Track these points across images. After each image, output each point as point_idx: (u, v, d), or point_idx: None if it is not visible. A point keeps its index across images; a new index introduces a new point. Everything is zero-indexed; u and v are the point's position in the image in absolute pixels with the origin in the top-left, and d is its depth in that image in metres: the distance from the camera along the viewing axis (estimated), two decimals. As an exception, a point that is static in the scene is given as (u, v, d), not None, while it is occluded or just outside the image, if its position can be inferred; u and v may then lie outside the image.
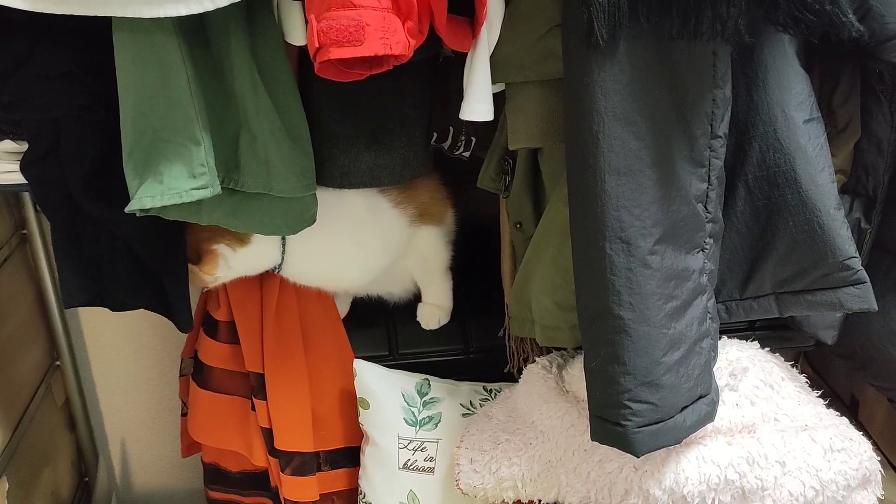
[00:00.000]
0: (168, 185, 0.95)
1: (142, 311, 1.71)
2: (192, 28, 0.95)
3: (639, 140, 0.87)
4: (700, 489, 1.01)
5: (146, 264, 1.16)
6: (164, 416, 1.84)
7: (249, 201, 1.04)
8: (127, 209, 0.96)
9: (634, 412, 0.93)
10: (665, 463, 1.02)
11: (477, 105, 0.97)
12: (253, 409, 1.37)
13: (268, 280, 1.34)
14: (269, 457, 1.36)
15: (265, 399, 1.33)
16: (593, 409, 0.98)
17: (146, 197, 0.95)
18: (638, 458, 0.95)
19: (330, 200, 1.17)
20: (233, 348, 1.37)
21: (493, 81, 0.98)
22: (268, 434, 1.35)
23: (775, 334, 1.35)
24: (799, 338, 1.38)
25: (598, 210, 0.89)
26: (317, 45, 0.80)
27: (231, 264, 1.20)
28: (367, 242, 1.25)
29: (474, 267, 1.43)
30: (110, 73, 1.01)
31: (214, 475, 1.49)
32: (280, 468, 1.34)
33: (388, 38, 0.80)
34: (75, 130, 1.08)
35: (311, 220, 1.11)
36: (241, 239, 1.19)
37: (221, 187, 1.00)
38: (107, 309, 1.68)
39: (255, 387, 1.35)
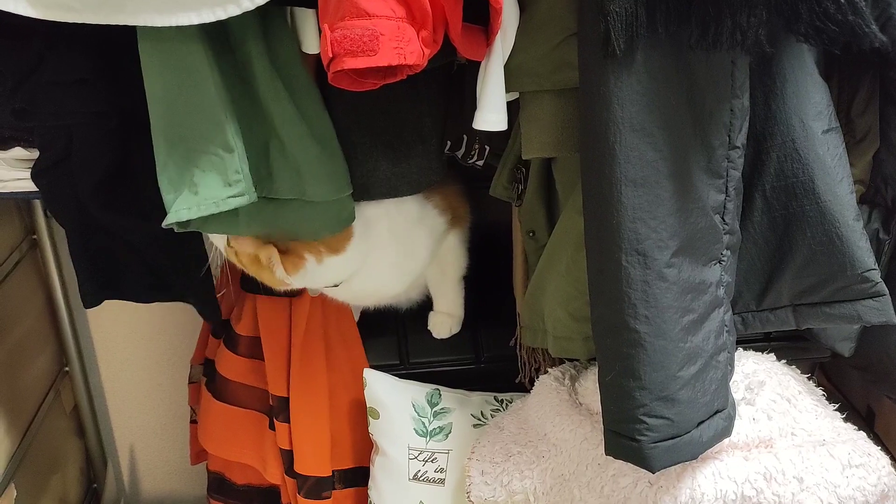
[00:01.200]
0: (204, 195, 0.93)
1: (151, 316, 1.75)
2: (217, 36, 0.94)
3: (656, 151, 0.86)
4: (716, 505, 1.00)
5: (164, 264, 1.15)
6: (174, 423, 1.84)
7: (286, 207, 1.03)
8: (164, 224, 0.94)
9: (650, 427, 0.92)
10: (681, 478, 1.01)
11: (490, 115, 0.96)
12: (271, 427, 1.35)
13: (299, 299, 1.33)
14: (287, 476, 1.35)
15: (286, 421, 1.32)
16: (608, 423, 0.96)
17: (182, 209, 0.93)
18: (653, 473, 0.94)
19: (391, 211, 1.16)
20: (252, 363, 1.36)
21: (507, 90, 0.97)
22: (287, 455, 1.34)
23: (791, 345, 1.33)
24: (815, 349, 1.36)
25: (614, 221, 0.87)
26: (330, 55, 0.79)
27: (312, 273, 1.14)
28: (419, 250, 1.25)
29: (486, 276, 1.42)
30: (124, 80, 1.01)
31: (219, 485, 1.48)
32: (297, 489, 1.33)
33: (402, 47, 0.79)
34: (88, 138, 1.08)
35: (351, 219, 1.09)
36: (334, 248, 1.14)
37: (258, 197, 0.99)
38: (116, 315, 1.72)
39: (275, 408, 1.33)
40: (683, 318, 0.91)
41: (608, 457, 1.04)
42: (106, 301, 1.70)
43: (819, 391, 1.20)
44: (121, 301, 1.70)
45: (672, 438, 0.93)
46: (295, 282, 1.15)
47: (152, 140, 0.94)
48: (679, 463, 0.96)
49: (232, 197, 0.93)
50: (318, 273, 1.14)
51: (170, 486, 1.90)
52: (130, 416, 1.84)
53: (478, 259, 1.41)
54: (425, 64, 0.84)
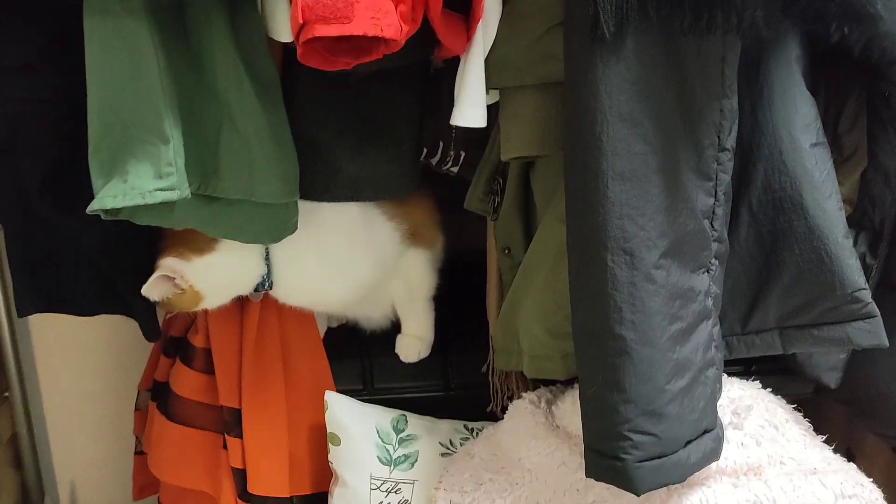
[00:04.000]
0: (132, 184, 0.88)
1: (99, 342, 1.65)
2: (168, 17, 0.89)
3: (646, 143, 0.81)
4: (703, 535, 0.92)
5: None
6: (117, 458, 1.72)
7: (229, 208, 0.97)
8: (88, 209, 0.89)
9: (635, 444, 0.85)
10: (665, 505, 0.94)
11: (469, 109, 0.92)
12: (225, 446, 1.26)
13: (248, 304, 1.25)
14: (240, 501, 1.25)
15: (240, 437, 1.23)
16: (589, 441, 0.89)
17: (108, 197, 0.88)
18: (638, 496, 0.87)
19: (325, 210, 1.10)
20: (208, 379, 1.26)
21: (488, 87, 0.92)
22: (239, 475, 1.23)
23: (771, 380, 1.28)
24: (796, 385, 1.31)
25: (599, 219, 0.82)
26: (301, 22, 0.73)
27: (191, 277, 1.09)
28: (360, 255, 1.18)
29: (457, 299, 1.36)
30: (74, 67, 0.95)
31: (170, 519, 1.37)
32: None
33: (378, 18, 0.74)
34: (34, 128, 1.01)
35: (293, 228, 1.04)
36: (198, 248, 1.10)
37: (198, 194, 0.94)
38: (62, 339, 1.62)
39: (228, 422, 1.24)
40: (672, 326, 0.86)
41: (588, 482, 0.97)
42: (53, 324, 1.64)
43: (805, 422, 1.14)
44: (68, 325, 1.63)
45: (658, 458, 0.86)
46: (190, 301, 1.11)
47: (87, 121, 0.88)
48: (665, 485, 0.89)
49: (160, 190, 0.88)
50: (198, 278, 1.09)
51: (111, 527, 1.77)
52: (72, 449, 1.72)
53: (449, 282, 1.35)
54: (402, 42, 0.79)
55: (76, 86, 0.97)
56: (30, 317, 1.61)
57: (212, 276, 1.11)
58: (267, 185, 0.96)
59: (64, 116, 1.00)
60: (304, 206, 1.06)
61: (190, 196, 0.92)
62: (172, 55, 0.89)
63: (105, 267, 1.05)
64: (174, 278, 1.07)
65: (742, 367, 1.26)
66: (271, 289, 1.17)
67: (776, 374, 1.26)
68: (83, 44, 0.88)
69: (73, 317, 1.60)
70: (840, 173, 1.08)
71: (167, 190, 0.89)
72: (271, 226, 1.02)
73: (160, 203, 0.90)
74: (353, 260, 1.19)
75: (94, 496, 1.75)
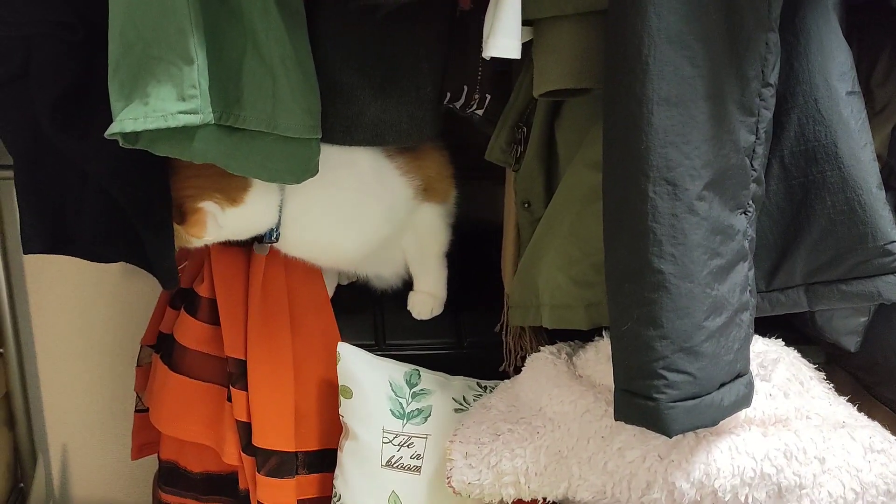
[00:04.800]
0: (153, 106, 0.84)
1: (99, 299, 1.61)
2: None
3: (693, 66, 0.78)
4: (733, 483, 0.90)
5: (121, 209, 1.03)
6: (112, 421, 1.68)
7: (251, 142, 0.94)
8: (107, 133, 0.85)
9: (670, 383, 0.82)
10: (694, 452, 0.91)
11: (504, 40, 0.89)
12: (229, 399, 1.22)
13: (254, 255, 1.22)
14: (244, 454, 1.21)
15: (245, 389, 1.19)
16: (620, 382, 0.86)
17: (128, 119, 0.84)
18: (670, 437, 0.84)
19: (335, 160, 1.07)
20: (214, 329, 1.23)
21: (523, 17, 0.90)
22: (244, 428, 1.20)
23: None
24: (807, 355, 1.29)
25: (642, 147, 0.79)
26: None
27: (221, 223, 1.08)
28: (370, 210, 1.15)
29: (470, 258, 1.33)
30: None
31: (171, 475, 1.33)
32: (256, 468, 1.19)
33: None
34: (49, 51, 0.98)
35: (315, 170, 1.01)
36: (232, 198, 1.08)
37: (220, 125, 0.90)
38: (60, 295, 1.58)
39: (233, 374, 1.20)
40: (711, 262, 0.83)
41: (614, 429, 0.95)
42: (49, 281, 1.59)
43: (826, 382, 1.12)
44: (65, 282, 1.60)
45: (693, 398, 0.84)
46: (209, 237, 1.09)
47: (108, 37, 0.85)
48: (698, 428, 0.87)
49: (183, 113, 0.85)
50: (230, 222, 1.08)
51: (104, 491, 1.73)
52: (67, 409, 1.68)
53: (462, 245, 1.32)
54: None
55: (95, 8, 0.94)
56: (26, 276, 1.58)
57: (234, 224, 1.09)
58: (291, 117, 0.93)
59: (81, 41, 0.96)
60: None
61: (213, 122, 0.88)
62: None
63: (116, 195, 1.01)
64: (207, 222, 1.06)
65: (758, 334, 1.24)
66: (277, 241, 1.14)
67: (788, 343, 1.24)
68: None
69: (70, 275, 1.59)
70: (871, 127, 1.06)
71: (190, 113, 0.85)
72: (292, 165, 0.99)
73: (181, 130, 0.87)
74: (364, 214, 1.16)
75: (86, 461, 1.71)
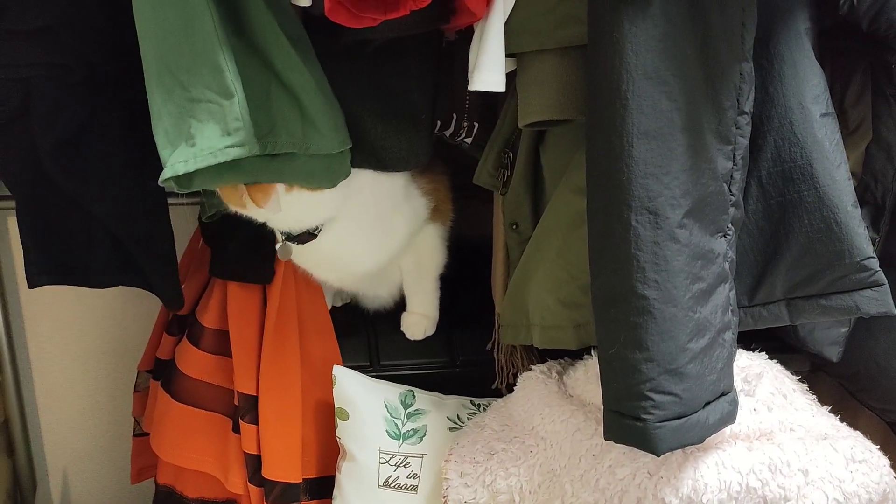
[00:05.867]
0: (200, 146, 0.86)
1: (95, 325, 1.62)
2: None
3: (671, 101, 0.82)
4: (720, 497, 0.93)
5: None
6: (112, 445, 1.70)
7: (292, 162, 0.96)
8: (160, 180, 0.86)
9: (656, 404, 0.85)
10: (682, 468, 0.94)
11: (489, 74, 0.92)
12: (235, 430, 1.24)
13: (270, 291, 1.23)
14: (250, 485, 1.23)
15: (254, 422, 1.21)
16: (609, 403, 0.89)
17: (178, 163, 0.86)
18: (658, 456, 0.87)
19: (379, 176, 1.11)
20: (217, 360, 1.25)
21: (507, 51, 0.93)
22: (253, 461, 1.22)
23: (770, 358, 1.29)
24: (793, 364, 1.32)
25: (623, 178, 0.83)
26: (331, -25, 0.73)
27: (283, 204, 1.05)
28: (397, 226, 1.19)
29: (462, 279, 1.36)
30: (93, 29, 0.94)
31: (167, 499, 1.35)
32: (264, 497, 1.21)
33: (408, -29, 0.74)
34: (49, 93, 1.00)
35: (347, 173, 1.03)
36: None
37: (259, 155, 0.92)
38: (56, 322, 1.60)
39: (242, 408, 1.22)
40: (693, 286, 0.86)
41: (604, 447, 0.98)
42: (45, 308, 1.61)
43: (810, 393, 1.15)
44: (61, 308, 1.61)
45: (679, 418, 0.87)
46: (265, 210, 1.04)
47: (145, 87, 0.86)
48: (685, 446, 0.90)
49: (231, 147, 0.86)
50: (287, 206, 1.04)
51: (104, 514, 1.75)
52: (66, 435, 1.69)
53: (454, 262, 1.35)
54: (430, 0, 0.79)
55: (93, 50, 0.96)
56: (21, 301, 1.60)
57: (292, 208, 1.06)
58: (321, 138, 0.95)
59: (79, 82, 0.99)
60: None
61: (258, 153, 0.90)
62: (219, 13, 0.87)
63: (119, 235, 1.03)
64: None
65: (742, 346, 1.27)
66: (316, 237, 1.13)
67: (774, 353, 1.27)
68: (102, 6, 0.86)
69: (67, 300, 1.60)
70: (846, 146, 1.09)
71: (238, 146, 0.87)
72: (326, 175, 1.01)
73: (230, 163, 0.88)
74: (391, 229, 1.19)
75: (86, 484, 1.73)
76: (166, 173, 0.85)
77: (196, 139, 0.85)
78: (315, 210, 1.09)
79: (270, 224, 1.11)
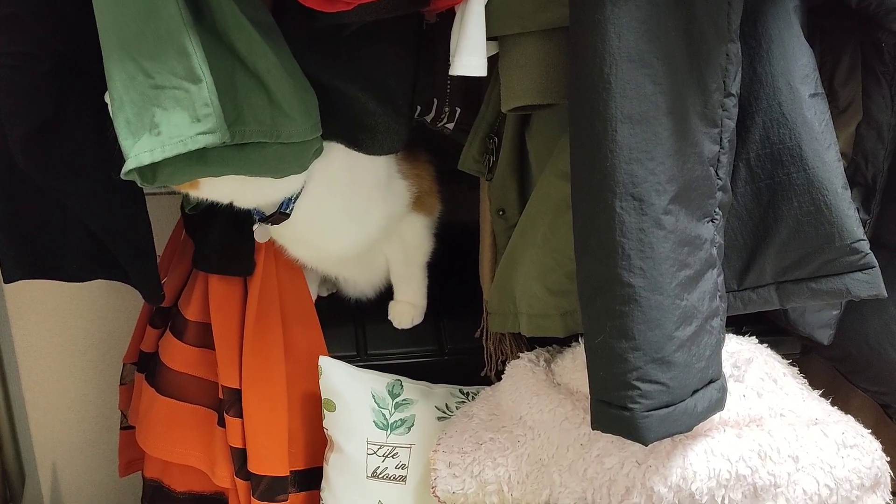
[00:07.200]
0: (168, 134, 0.82)
1: (81, 319, 1.61)
2: None
3: (655, 84, 0.80)
4: (709, 485, 0.92)
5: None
6: (100, 438, 1.69)
7: (262, 150, 0.92)
8: (122, 172, 0.82)
9: (643, 393, 0.84)
10: (671, 457, 0.93)
11: (470, 58, 0.90)
12: (220, 423, 1.22)
13: (251, 283, 1.21)
14: (237, 478, 1.22)
15: (239, 416, 1.19)
16: (596, 392, 0.88)
17: (143, 153, 0.81)
18: (646, 445, 0.86)
19: (353, 153, 1.08)
20: (201, 352, 1.23)
21: (488, 34, 0.90)
22: (239, 454, 1.20)
23: (761, 341, 1.28)
24: (784, 346, 1.31)
25: (607, 164, 0.81)
26: (303, -43, 0.71)
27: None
28: (377, 206, 1.17)
29: (450, 267, 1.34)
30: (58, 18, 0.91)
31: (155, 494, 1.34)
32: (251, 491, 1.20)
33: (382, -47, 0.72)
34: (16, 83, 0.97)
35: (319, 154, 1.00)
36: None
37: (228, 145, 0.88)
38: (41, 317, 1.58)
39: (226, 402, 1.20)
40: (680, 273, 0.85)
41: (592, 436, 0.97)
42: (30, 301, 1.59)
43: (801, 377, 1.14)
44: (47, 301, 1.59)
45: (666, 406, 0.85)
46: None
47: (105, 73, 0.82)
48: (673, 435, 0.89)
49: (202, 134, 0.82)
50: (247, 181, 1.01)
51: (94, 507, 1.74)
52: (53, 429, 1.68)
53: (442, 249, 1.33)
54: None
55: (61, 39, 0.93)
56: (6, 295, 1.58)
57: (260, 182, 1.03)
58: (291, 124, 0.91)
59: (46, 72, 0.96)
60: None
61: (229, 142, 0.86)
62: None
63: (95, 229, 1.01)
64: None
65: (733, 329, 1.26)
66: (289, 215, 1.11)
67: (765, 335, 1.26)
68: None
69: (52, 293, 1.59)
70: (836, 126, 1.07)
71: (209, 133, 0.83)
72: (297, 160, 0.98)
73: (195, 155, 0.84)
74: (371, 209, 1.17)
75: (76, 477, 1.72)
76: (129, 164, 0.81)
77: (161, 128, 0.81)
78: (283, 183, 1.04)
79: (237, 204, 1.07)
